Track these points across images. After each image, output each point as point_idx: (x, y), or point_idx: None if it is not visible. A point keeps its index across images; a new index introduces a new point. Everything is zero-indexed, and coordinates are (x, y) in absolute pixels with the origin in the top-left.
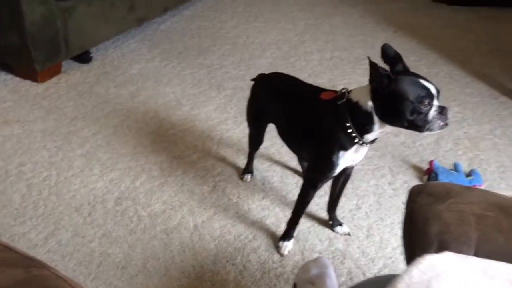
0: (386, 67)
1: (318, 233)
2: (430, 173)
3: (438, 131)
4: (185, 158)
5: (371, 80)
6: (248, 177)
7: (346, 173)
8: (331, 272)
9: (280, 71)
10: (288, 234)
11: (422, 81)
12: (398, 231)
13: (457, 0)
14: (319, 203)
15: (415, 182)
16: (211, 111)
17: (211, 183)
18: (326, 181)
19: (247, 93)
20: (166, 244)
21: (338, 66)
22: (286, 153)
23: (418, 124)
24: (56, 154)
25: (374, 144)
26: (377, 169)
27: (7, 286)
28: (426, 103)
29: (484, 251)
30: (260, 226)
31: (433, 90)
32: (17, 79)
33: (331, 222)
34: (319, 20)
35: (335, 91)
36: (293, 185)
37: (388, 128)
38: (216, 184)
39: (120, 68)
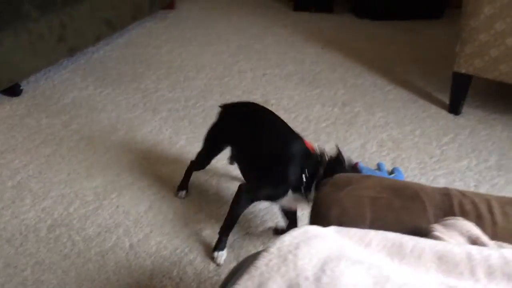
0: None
1: (252, 239)
2: None
3: None
4: (120, 181)
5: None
6: (183, 193)
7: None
8: None
9: (214, 91)
10: (221, 243)
11: None
12: None
13: (379, 15)
14: (253, 211)
15: None
16: (146, 134)
17: (147, 203)
18: (261, 200)
19: (182, 114)
20: (101, 266)
21: (270, 82)
22: (222, 168)
23: None
24: None
25: None
26: None
27: None
28: None
29: (377, 228)
30: (196, 239)
31: None
32: None
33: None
34: (252, 41)
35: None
36: (229, 197)
37: None
38: (152, 203)
39: (52, 99)
